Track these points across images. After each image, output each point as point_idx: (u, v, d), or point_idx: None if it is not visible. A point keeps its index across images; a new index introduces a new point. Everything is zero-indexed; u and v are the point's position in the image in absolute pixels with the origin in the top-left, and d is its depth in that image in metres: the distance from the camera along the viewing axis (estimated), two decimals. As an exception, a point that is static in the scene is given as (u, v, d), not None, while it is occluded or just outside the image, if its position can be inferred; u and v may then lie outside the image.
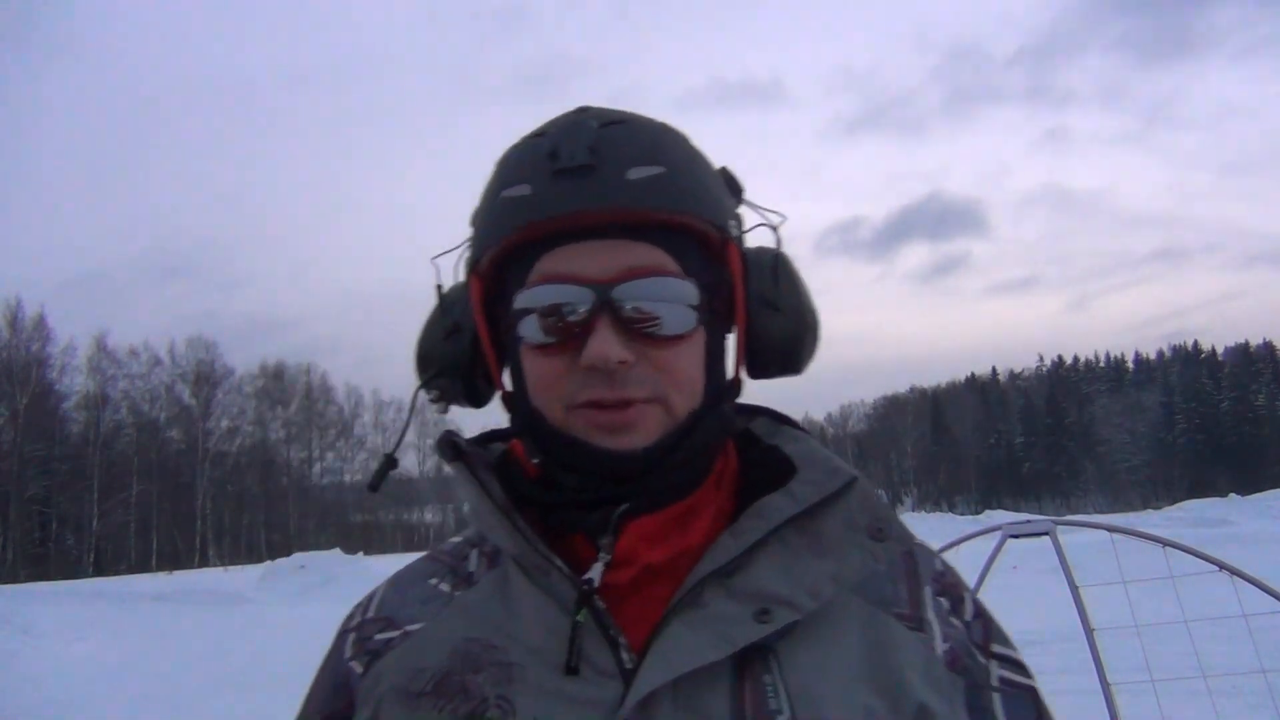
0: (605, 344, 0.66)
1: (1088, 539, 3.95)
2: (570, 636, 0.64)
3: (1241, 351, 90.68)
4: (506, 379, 0.78)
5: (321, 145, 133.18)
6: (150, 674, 8.99)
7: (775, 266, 0.76)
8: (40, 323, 50.54)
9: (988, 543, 3.92)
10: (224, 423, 60.90)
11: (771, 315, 0.75)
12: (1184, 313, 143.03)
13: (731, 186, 0.78)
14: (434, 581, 0.76)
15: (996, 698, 0.71)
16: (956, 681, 0.70)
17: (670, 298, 0.68)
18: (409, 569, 0.80)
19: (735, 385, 0.77)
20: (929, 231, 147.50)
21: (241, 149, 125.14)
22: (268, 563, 24.15)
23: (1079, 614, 3.49)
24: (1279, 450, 77.07)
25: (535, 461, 0.72)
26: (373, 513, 69.08)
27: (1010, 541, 3.82)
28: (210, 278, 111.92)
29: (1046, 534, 3.68)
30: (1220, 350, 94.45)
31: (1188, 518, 21.45)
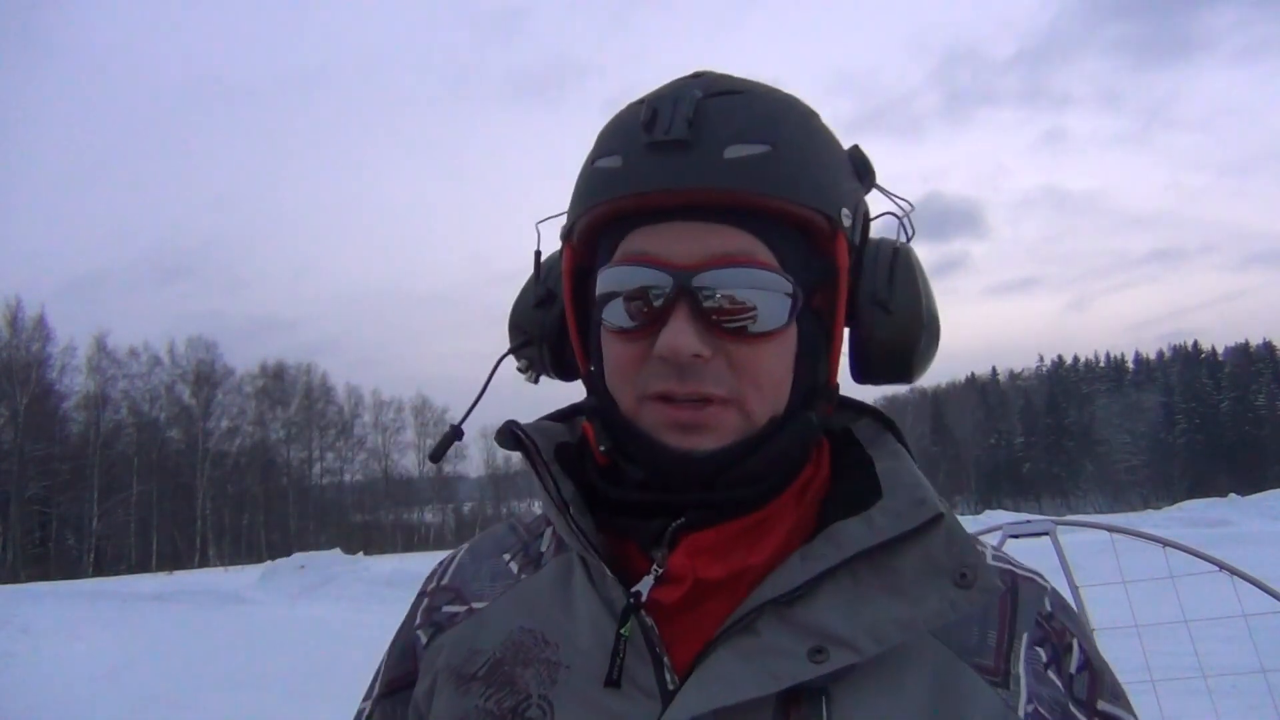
0: (679, 335, 0.61)
1: (1088, 539, 3.95)
2: (614, 648, 0.61)
3: (1241, 351, 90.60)
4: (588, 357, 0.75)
5: (322, 147, 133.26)
6: (150, 674, 8.98)
7: (892, 263, 0.70)
8: (40, 323, 50.54)
9: (987, 543, 3.90)
10: (224, 423, 60.73)
11: (881, 316, 0.69)
12: (1184, 313, 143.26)
13: (860, 170, 0.71)
14: (507, 558, 0.75)
15: None
16: None
17: (757, 291, 0.63)
18: (490, 537, 0.80)
19: (830, 392, 0.70)
20: (928, 232, 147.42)
21: (243, 151, 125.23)
22: (268, 563, 24.10)
23: (1079, 614, 3.49)
24: (1279, 450, 77.03)
25: (603, 449, 0.68)
26: (373, 513, 69.04)
27: (1010, 541, 3.82)
28: (212, 278, 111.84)
29: (1046, 534, 3.68)
30: (1220, 350, 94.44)
31: (1188, 518, 21.42)
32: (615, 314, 0.65)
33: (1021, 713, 0.61)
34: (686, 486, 0.65)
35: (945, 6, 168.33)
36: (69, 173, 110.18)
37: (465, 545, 0.80)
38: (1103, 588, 3.54)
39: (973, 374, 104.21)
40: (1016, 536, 3.77)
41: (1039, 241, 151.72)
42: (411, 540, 63.98)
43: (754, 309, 0.62)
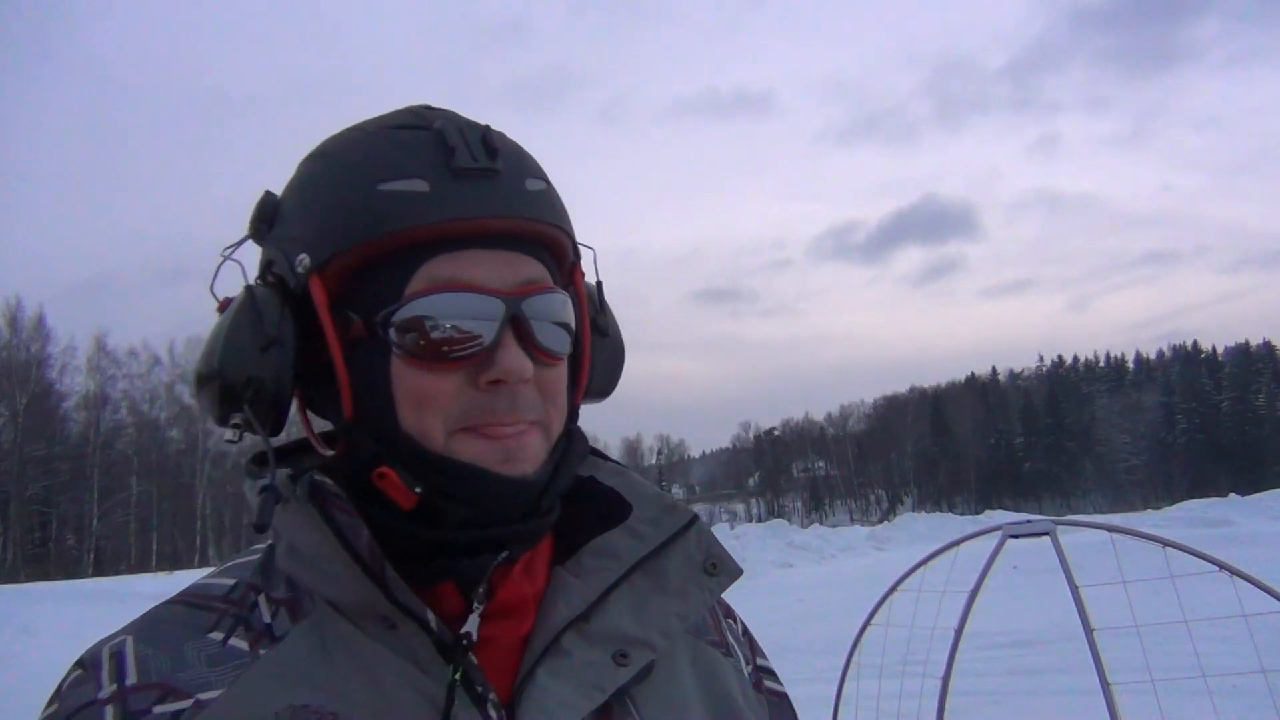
0: (518, 359, 0.63)
1: (1088, 539, 3.95)
2: (446, 698, 0.60)
3: (1241, 351, 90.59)
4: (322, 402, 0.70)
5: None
6: (150, 674, 8.97)
7: (600, 295, 0.77)
8: (40, 323, 50.58)
9: (988, 543, 3.91)
10: (224, 423, 60.74)
11: (600, 340, 0.76)
12: (1183, 313, 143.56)
13: None
14: (217, 635, 0.63)
15: (768, 709, 0.78)
16: (761, 701, 0.77)
17: (561, 315, 0.68)
18: (165, 619, 0.65)
19: (577, 410, 0.76)
20: (924, 235, 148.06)
21: (250, 158, 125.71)
22: (268, 563, 24.07)
23: (1079, 614, 3.49)
24: (1279, 450, 77.02)
25: (418, 490, 0.63)
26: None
27: (1010, 541, 3.82)
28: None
29: (1046, 534, 3.68)
30: (1220, 350, 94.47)
31: (1188, 518, 21.40)
32: (428, 345, 0.62)
33: (746, 673, 0.76)
34: (511, 515, 0.65)
35: (936, 20, 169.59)
36: (79, 178, 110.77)
37: (121, 640, 0.64)
38: (1103, 588, 3.54)
39: (973, 374, 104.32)
40: (1016, 536, 3.77)
41: (1035, 243, 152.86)
42: (411, 540, 63.75)
43: (558, 332, 0.67)
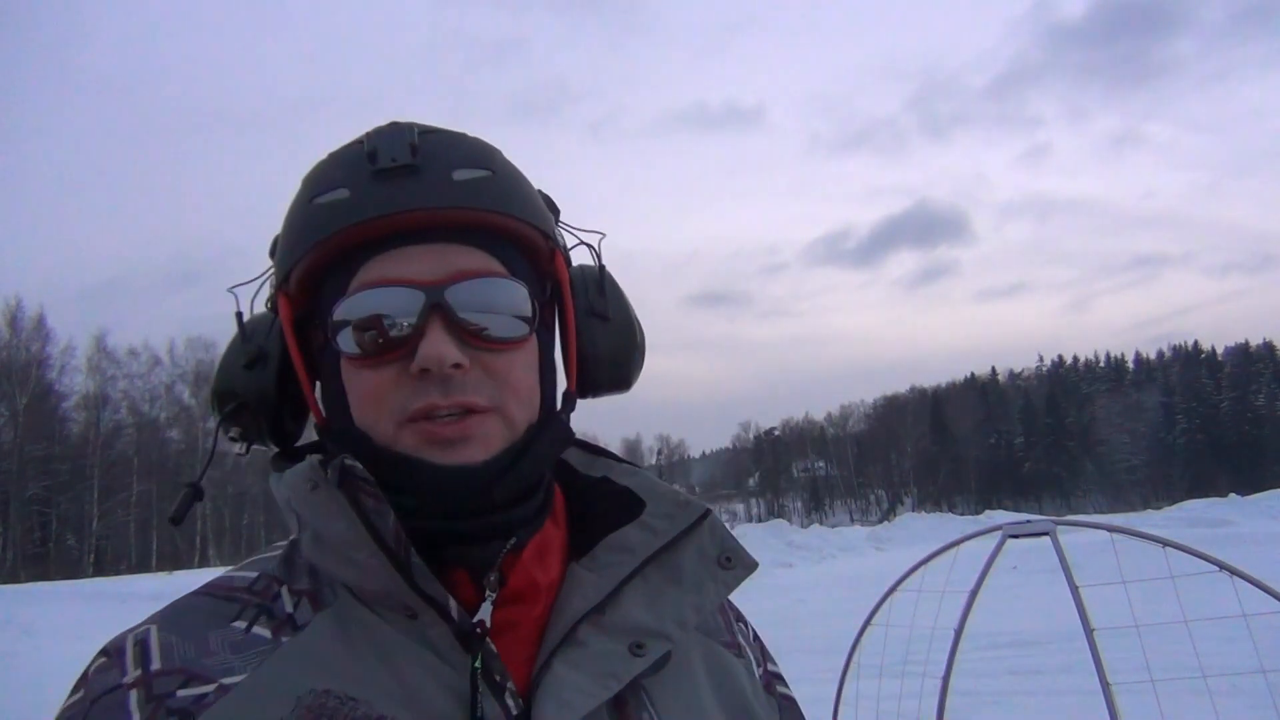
0: (439, 345, 0.62)
1: (1088, 539, 3.94)
2: (472, 685, 0.60)
3: (1241, 351, 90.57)
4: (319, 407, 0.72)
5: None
6: (150, 674, 8.97)
7: (601, 278, 0.76)
8: (40, 323, 50.54)
9: (988, 543, 3.91)
10: (224, 423, 60.63)
11: (599, 326, 0.74)
12: (1183, 313, 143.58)
13: (550, 207, 0.76)
14: (241, 624, 0.64)
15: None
16: (773, 703, 0.78)
17: (503, 301, 0.66)
18: (189, 610, 0.67)
19: (569, 399, 0.74)
20: (917, 240, 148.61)
21: (255, 170, 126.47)
22: (268, 563, 24.02)
23: (1079, 614, 3.49)
24: (1279, 450, 76.98)
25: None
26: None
27: (1010, 541, 3.82)
28: (222, 284, 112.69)
29: (1046, 534, 3.68)
30: (1220, 350, 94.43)
31: (1188, 518, 21.40)
32: (362, 343, 0.64)
33: (758, 674, 0.77)
34: (462, 502, 0.64)
35: (923, 39, 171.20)
36: (92, 184, 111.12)
37: (145, 629, 0.65)
38: (1103, 588, 3.54)
39: (973, 374, 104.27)
40: (1016, 536, 3.77)
41: (1028, 247, 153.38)
42: (411, 540, 63.62)
43: (501, 319, 0.65)
